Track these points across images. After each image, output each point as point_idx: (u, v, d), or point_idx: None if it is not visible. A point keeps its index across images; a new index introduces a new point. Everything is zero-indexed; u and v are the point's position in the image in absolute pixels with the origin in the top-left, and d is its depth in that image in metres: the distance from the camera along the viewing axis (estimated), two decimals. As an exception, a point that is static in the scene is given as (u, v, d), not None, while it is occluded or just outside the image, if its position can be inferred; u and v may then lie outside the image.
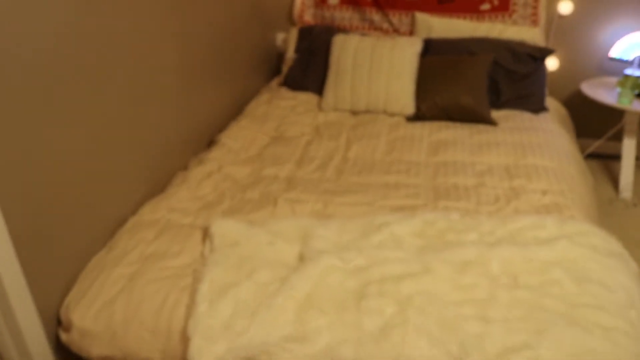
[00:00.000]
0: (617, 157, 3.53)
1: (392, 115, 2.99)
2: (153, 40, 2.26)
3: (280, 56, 3.71)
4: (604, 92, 3.18)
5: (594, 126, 3.54)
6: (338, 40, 3.17)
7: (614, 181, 3.38)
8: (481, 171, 2.44)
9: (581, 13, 3.31)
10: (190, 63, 2.58)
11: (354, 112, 3.06)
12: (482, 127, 2.86)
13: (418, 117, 2.97)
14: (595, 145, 3.49)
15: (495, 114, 3.02)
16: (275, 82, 3.49)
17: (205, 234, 1.98)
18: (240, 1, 3.15)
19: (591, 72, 3.44)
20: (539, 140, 2.70)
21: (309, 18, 3.61)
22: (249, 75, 3.34)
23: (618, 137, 3.39)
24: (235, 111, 3.11)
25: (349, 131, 2.82)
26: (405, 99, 2.97)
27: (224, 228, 1.94)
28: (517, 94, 3.09)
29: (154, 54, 2.28)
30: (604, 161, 3.60)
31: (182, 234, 2.01)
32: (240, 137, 2.73)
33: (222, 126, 2.91)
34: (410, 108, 2.97)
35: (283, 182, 2.35)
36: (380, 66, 3.01)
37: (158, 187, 2.34)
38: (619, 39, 3.25)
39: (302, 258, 1.83)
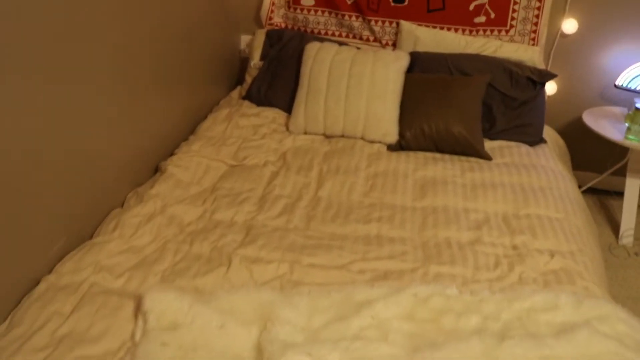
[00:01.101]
0: (614, 193, 3.27)
1: (371, 142, 2.63)
2: (83, 52, 1.83)
3: (244, 62, 3.30)
4: (608, 125, 2.89)
5: (592, 159, 3.26)
6: (311, 49, 2.79)
7: (612, 222, 3.11)
8: (477, 222, 2.11)
9: (586, 34, 3.01)
10: (133, 74, 2.16)
11: (328, 137, 2.69)
12: (474, 162, 2.53)
13: (401, 146, 2.62)
14: (593, 182, 3.20)
15: (489, 145, 2.70)
16: (236, 94, 3.08)
17: (138, 308, 1.58)
18: None
19: (593, 99, 3.15)
20: (541, 183, 2.38)
21: (278, 20, 3.21)
22: (206, 85, 2.92)
23: (617, 172, 3.12)
24: (188, 129, 2.70)
25: (321, 162, 2.44)
26: (387, 124, 2.62)
27: (162, 304, 1.54)
28: (513, 123, 2.78)
29: (85, 67, 1.85)
30: (600, 197, 3.33)
31: (108, 306, 1.61)
32: (191, 165, 2.32)
33: (172, 148, 2.50)
34: (393, 135, 2.62)
35: (240, 231, 1.97)
36: (359, 84, 2.64)
37: (85, 231, 1.92)
38: (626, 66, 2.96)
39: (261, 351, 1.44)
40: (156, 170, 2.36)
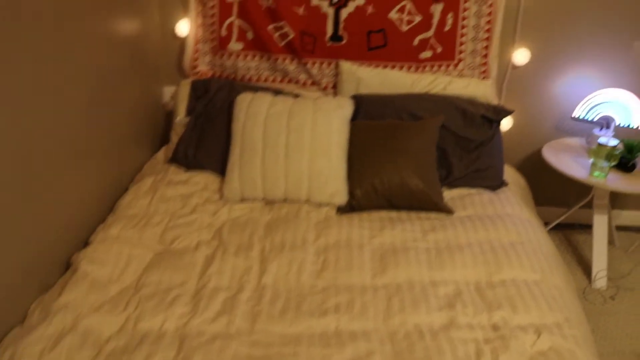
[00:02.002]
0: (578, 226, 3.11)
1: (318, 205, 2.35)
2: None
3: (168, 117, 2.98)
4: (570, 160, 2.72)
5: (554, 194, 3.09)
6: (243, 101, 2.50)
7: (582, 261, 2.93)
8: (448, 297, 1.86)
9: (538, 64, 2.85)
10: (31, 147, 1.79)
11: (269, 202, 2.39)
12: (435, 219, 2.29)
13: (352, 207, 2.35)
14: (559, 219, 3.02)
15: (448, 195, 2.48)
16: (162, 155, 2.75)
17: None
18: (112, 45, 2.38)
19: (550, 132, 2.99)
20: (511, 238, 2.16)
21: (204, 68, 2.90)
22: (125, 149, 2.57)
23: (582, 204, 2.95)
24: (105, 207, 2.35)
25: (263, 237, 2.14)
26: (334, 183, 2.34)
27: None
28: (471, 167, 2.56)
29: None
30: (565, 232, 3.15)
31: None
32: (109, 257, 1.98)
33: (86, 234, 2.15)
34: (342, 195, 2.34)
35: (171, 345, 1.64)
36: (300, 139, 2.36)
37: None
38: (581, 95, 2.81)
39: None
40: (68, 266, 2.00)
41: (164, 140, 2.93)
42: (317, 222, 2.24)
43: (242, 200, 2.39)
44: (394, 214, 2.34)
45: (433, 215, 2.33)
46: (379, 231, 2.18)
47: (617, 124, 2.74)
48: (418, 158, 2.38)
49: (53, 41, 1.89)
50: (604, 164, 2.53)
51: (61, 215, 2.00)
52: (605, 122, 2.79)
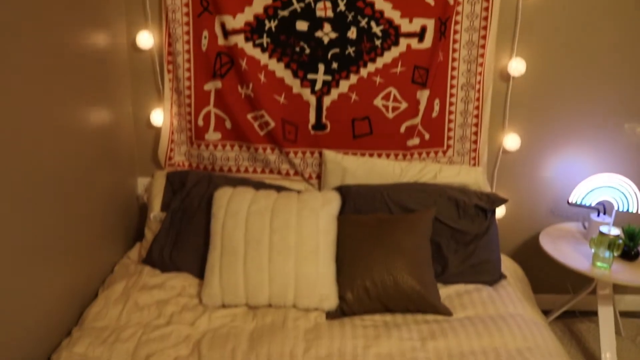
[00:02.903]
0: (579, 314, 2.97)
1: (306, 311, 2.18)
2: None
3: (143, 210, 2.82)
4: (569, 248, 2.61)
5: (552, 281, 2.97)
6: (222, 198, 2.36)
7: (587, 353, 2.77)
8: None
9: (530, 149, 2.79)
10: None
11: (252, 308, 2.21)
12: (434, 322, 2.13)
13: (343, 311, 2.18)
14: (560, 311, 2.88)
15: (444, 292, 2.34)
16: (135, 254, 2.58)
17: None
18: (82, 135, 2.25)
19: (545, 216, 2.91)
20: (517, 344, 2.02)
21: (180, 159, 2.78)
22: (95, 247, 2.39)
23: (577, 290, 2.82)
24: (71, 317, 2.15)
25: (247, 351, 1.96)
26: (323, 286, 2.19)
27: None
28: (468, 262, 2.43)
29: None
30: (565, 321, 3.01)
31: None
32: (73, 384, 1.77)
33: (47, 351, 1.94)
34: (331, 300, 2.19)
35: None
36: (284, 239, 2.22)
37: None
38: (574, 178, 2.75)
39: None
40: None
41: (138, 235, 2.76)
42: (305, 331, 2.06)
43: (223, 306, 2.21)
44: (388, 317, 2.18)
45: (431, 317, 2.18)
46: (374, 340, 2.01)
47: (616, 209, 2.65)
48: (412, 256, 2.24)
49: (19, 131, 1.76)
50: (607, 254, 2.42)
51: (18, 327, 1.80)
52: (602, 207, 2.71)
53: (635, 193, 2.62)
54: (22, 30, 1.78)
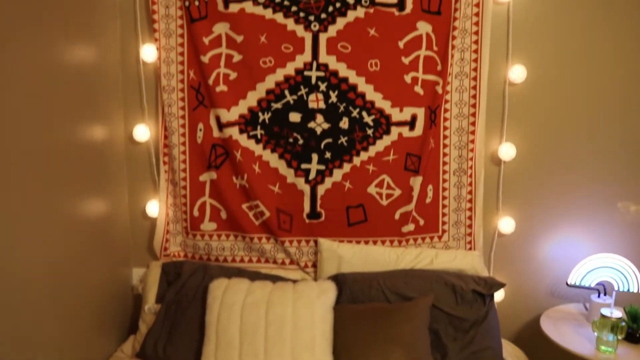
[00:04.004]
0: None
1: (304, 407, 2.14)
2: None
3: (137, 301, 2.82)
4: (571, 331, 2.59)
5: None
6: (217, 289, 2.37)
7: None
8: None
9: (526, 231, 2.82)
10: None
11: (248, 405, 2.18)
12: (435, 417, 2.08)
13: (342, 407, 2.14)
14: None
15: (445, 383, 2.29)
16: (129, 348, 2.56)
17: None
18: (77, 225, 2.28)
19: (545, 298, 2.89)
20: None
21: (176, 249, 2.80)
22: (88, 339, 2.38)
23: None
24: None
25: None
26: (321, 380, 2.16)
27: None
28: (468, 350, 2.40)
29: None
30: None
31: None
32: None
33: None
34: (329, 394, 2.15)
35: None
36: (280, 331, 2.22)
37: None
38: (572, 258, 2.76)
39: None
40: None
41: (132, 327, 2.75)
42: None
43: (218, 405, 2.18)
44: (388, 412, 2.14)
45: (431, 411, 2.13)
46: None
47: (616, 289, 2.65)
48: (410, 346, 2.22)
49: (16, 220, 1.81)
50: (610, 337, 2.40)
51: None
52: (602, 288, 2.70)
53: (634, 272, 2.63)
54: (22, 123, 1.86)
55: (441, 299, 2.45)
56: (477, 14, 2.59)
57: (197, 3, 2.58)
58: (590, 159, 2.76)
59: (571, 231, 2.83)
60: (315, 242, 2.70)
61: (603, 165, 2.77)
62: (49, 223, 2.05)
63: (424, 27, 2.57)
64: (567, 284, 2.73)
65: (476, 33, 2.61)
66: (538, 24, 2.66)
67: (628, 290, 2.65)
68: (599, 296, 2.71)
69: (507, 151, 2.70)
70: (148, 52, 2.67)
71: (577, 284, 2.71)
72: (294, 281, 2.51)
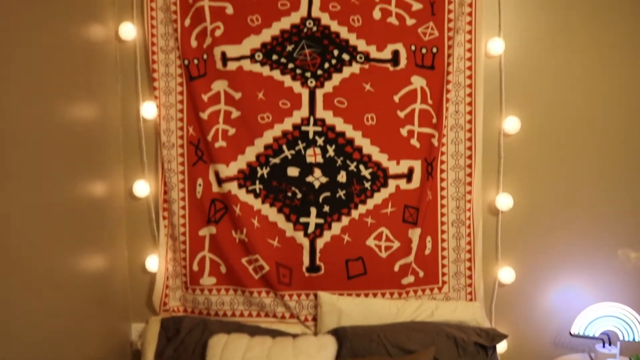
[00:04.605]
0: None
1: None
2: None
3: (136, 357, 2.80)
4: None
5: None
6: (216, 346, 2.38)
7: None
8: None
9: (526, 281, 2.83)
10: None
11: None
12: None
13: None
14: None
15: None
16: (128, 408, 2.53)
17: None
18: (75, 280, 2.29)
19: (548, 349, 2.87)
20: None
21: (175, 304, 2.80)
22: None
23: None
24: None
25: None
26: None
27: None
28: (471, 404, 2.37)
29: None
30: None
31: None
32: None
33: None
34: None
35: None
36: (281, 388, 2.19)
37: None
38: (574, 306, 2.74)
39: None
40: None
41: (131, 387, 2.73)
42: None
43: None
44: None
45: None
46: None
47: (621, 339, 2.63)
48: (412, 402, 2.20)
49: (14, 273, 1.84)
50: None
51: None
52: (607, 338, 2.68)
53: (638, 321, 2.62)
54: (23, 179, 1.91)
55: (443, 352, 2.44)
56: (469, 68, 2.66)
57: (196, 62, 2.65)
58: (587, 207, 2.79)
59: (572, 279, 2.83)
60: (315, 295, 2.70)
61: (601, 212, 2.79)
62: (48, 277, 2.07)
63: (418, 82, 2.64)
64: (570, 333, 2.72)
65: (470, 86, 2.67)
66: (530, 76, 2.72)
67: (633, 339, 2.64)
68: (603, 346, 2.70)
69: (504, 201, 2.73)
70: (148, 109, 2.73)
71: (581, 333, 2.70)
72: (294, 335, 2.51)
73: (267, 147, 2.65)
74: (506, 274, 2.77)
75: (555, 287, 2.83)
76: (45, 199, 2.06)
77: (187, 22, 2.66)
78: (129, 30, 2.70)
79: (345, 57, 2.62)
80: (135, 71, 2.75)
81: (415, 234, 2.67)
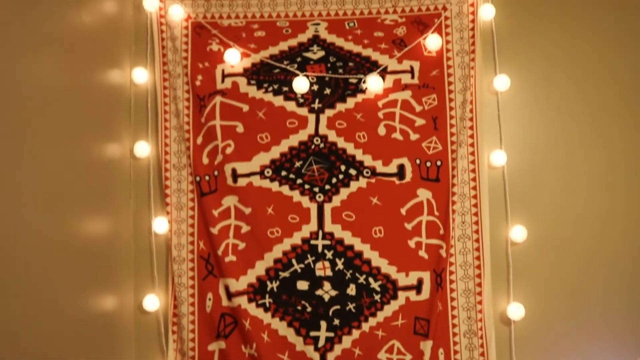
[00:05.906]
0: None
1: None
2: None
3: None
4: None
5: None
6: None
7: None
8: None
9: None
10: None
11: None
12: None
13: None
14: None
15: None
16: None
17: None
18: None
19: None
20: None
21: (183, 422, 2.75)
22: None
23: None
24: None
25: None
26: None
27: None
28: None
29: None
30: None
31: None
32: None
33: None
34: None
35: None
36: None
37: None
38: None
39: None
40: None
41: None
42: None
43: None
44: None
45: None
46: None
47: None
48: None
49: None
50: None
51: None
52: None
53: None
54: (30, 294, 1.93)
55: None
56: (474, 179, 2.74)
57: (207, 178, 2.75)
58: (605, 316, 2.76)
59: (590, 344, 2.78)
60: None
61: (618, 317, 2.77)
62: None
63: (424, 194, 2.71)
64: None
65: (475, 197, 2.74)
66: (534, 184, 2.79)
67: None
68: None
69: (515, 311, 2.72)
70: (160, 225, 2.80)
71: None
72: None
73: (276, 261, 2.70)
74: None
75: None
76: (56, 313, 2.09)
77: (200, 140, 2.78)
78: (143, 148, 2.83)
79: (352, 172, 2.72)
80: (148, 187, 2.84)
81: (427, 346, 2.65)
